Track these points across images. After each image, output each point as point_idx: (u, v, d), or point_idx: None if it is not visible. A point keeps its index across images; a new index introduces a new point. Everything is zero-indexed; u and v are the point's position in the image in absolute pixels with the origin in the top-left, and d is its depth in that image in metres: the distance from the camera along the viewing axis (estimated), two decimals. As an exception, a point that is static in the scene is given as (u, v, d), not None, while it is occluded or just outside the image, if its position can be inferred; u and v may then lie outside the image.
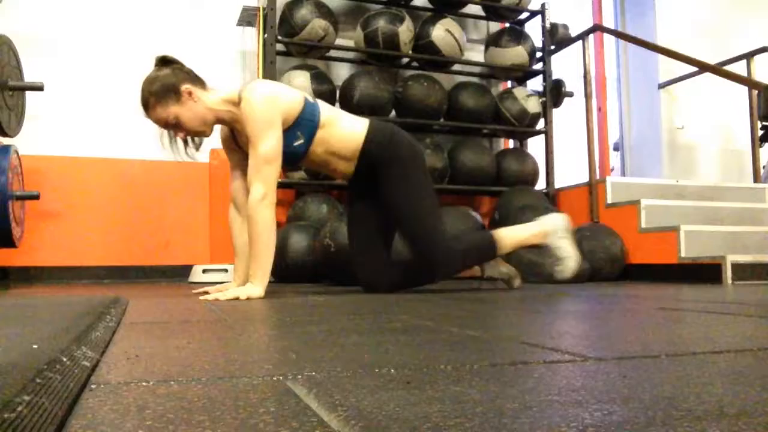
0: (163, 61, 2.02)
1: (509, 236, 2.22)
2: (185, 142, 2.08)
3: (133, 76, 3.62)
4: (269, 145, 1.91)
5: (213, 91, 2.04)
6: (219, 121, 2.06)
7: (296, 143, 2.02)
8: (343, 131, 2.09)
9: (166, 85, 1.95)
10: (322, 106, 2.11)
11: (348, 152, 2.11)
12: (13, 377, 0.53)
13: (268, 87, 1.99)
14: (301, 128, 2.02)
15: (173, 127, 1.99)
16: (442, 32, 3.84)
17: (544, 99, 4.13)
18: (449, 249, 2.14)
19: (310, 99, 2.07)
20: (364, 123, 2.14)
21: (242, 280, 2.15)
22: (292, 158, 2.08)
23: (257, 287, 1.91)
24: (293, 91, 2.05)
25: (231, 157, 2.20)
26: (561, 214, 2.29)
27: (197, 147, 2.13)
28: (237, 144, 2.16)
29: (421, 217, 2.12)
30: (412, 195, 2.12)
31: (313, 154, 2.09)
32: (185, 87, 1.96)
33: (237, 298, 1.85)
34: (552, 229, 2.22)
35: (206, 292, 2.06)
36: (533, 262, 2.87)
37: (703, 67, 3.65)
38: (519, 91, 4.06)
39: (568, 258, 2.20)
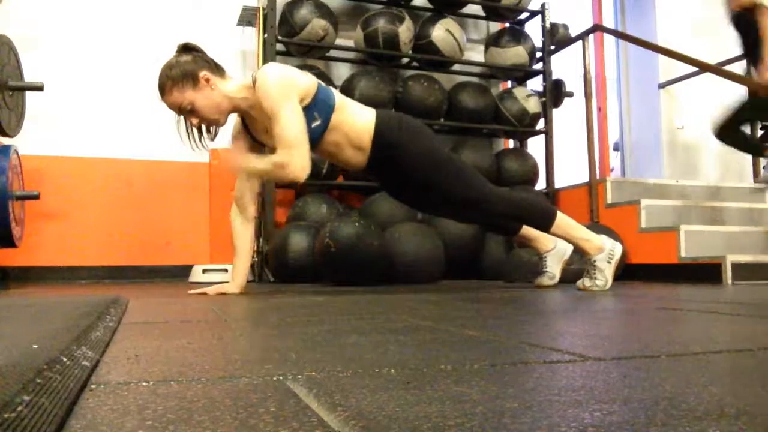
0: (185, 48, 2.03)
1: (568, 223, 2.24)
2: (200, 131, 2.08)
3: (133, 76, 3.64)
4: (292, 119, 1.90)
5: (231, 79, 2.06)
6: (235, 109, 2.06)
7: (314, 124, 2.02)
8: (356, 118, 2.10)
9: (185, 71, 1.96)
10: (334, 90, 2.12)
11: (361, 140, 2.10)
12: (13, 377, 0.53)
13: (282, 68, 2.00)
14: (317, 109, 2.02)
15: (188, 113, 2.00)
16: (442, 32, 3.84)
17: (544, 99, 4.12)
18: (498, 190, 2.22)
19: (322, 83, 2.08)
20: (372, 111, 2.15)
21: (240, 280, 2.15)
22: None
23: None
24: (306, 74, 2.05)
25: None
26: (621, 245, 2.30)
27: (213, 137, 2.13)
28: (251, 135, 2.15)
29: (456, 176, 2.15)
30: (438, 164, 2.14)
31: (327, 140, 2.09)
32: (203, 74, 1.97)
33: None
34: (608, 250, 2.22)
35: (204, 293, 2.07)
36: (534, 263, 2.87)
37: (703, 67, 3.65)
38: (519, 91, 4.06)
39: (602, 282, 2.21)
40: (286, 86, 1.92)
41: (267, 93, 1.91)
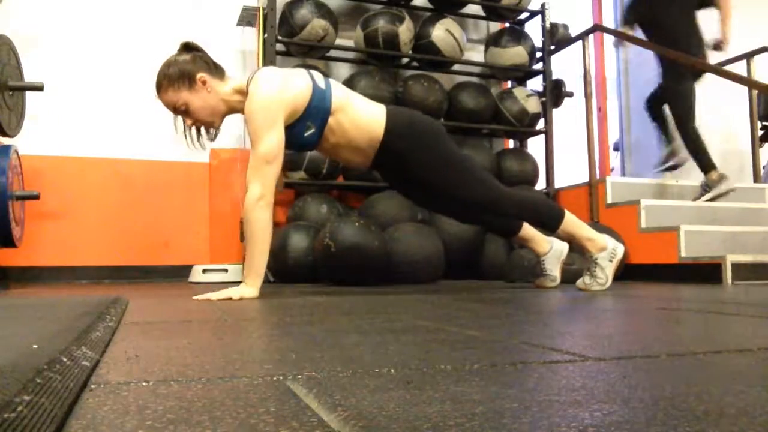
0: (186, 47, 2.01)
1: (574, 222, 2.23)
2: (198, 131, 2.07)
3: (133, 76, 3.64)
4: (269, 146, 1.88)
5: (229, 81, 2.03)
6: (232, 111, 2.04)
7: (307, 133, 1.99)
8: (359, 120, 2.03)
9: (182, 71, 1.94)
10: (335, 89, 2.04)
11: (364, 143, 2.06)
12: (13, 377, 0.53)
13: (273, 83, 1.92)
14: (311, 118, 1.97)
15: (182, 113, 1.98)
16: (442, 32, 3.84)
17: (544, 99, 4.13)
18: (508, 192, 2.19)
19: (321, 84, 2.00)
20: (380, 111, 2.07)
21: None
22: (303, 147, 2.07)
23: (250, 288, 1.90)
24: (301, 79, 1.98)
25: None
26: (623, 246, 2.29)
27: (212, 138, 2.11)
28: None
29: (467, 179, 2.13)
30: (449, 168, 2.11)
31: (326, 142, 2.06)
32: (200, 75, 1.95)
33: (230, 299, 1.84)
34: (610, 249, 2.21)
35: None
36: (533, 264, 2.87)
37: (703, 67, 3.65)
38: (519, 91, 4.06)
39: (602, 280, 2.20)
40: (271, 113, 1.88)
41: (251, 117, 1.89)
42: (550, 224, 2.23)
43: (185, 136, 2.04)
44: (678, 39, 3.49)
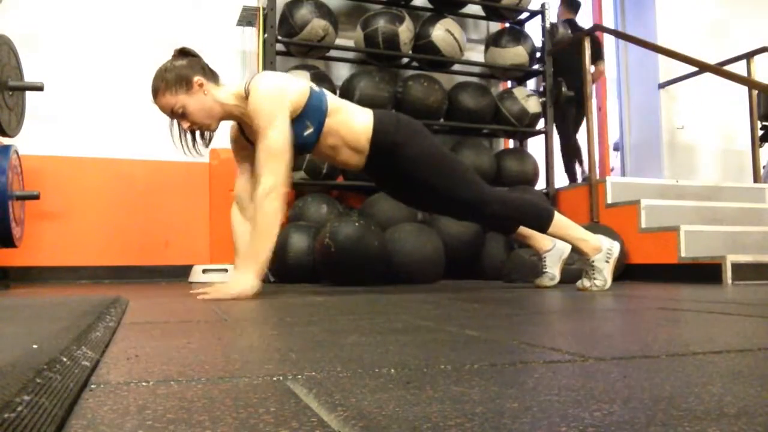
0: (181, 53, 2.04)
1: (565, 224, 2.23)
2: (193, 136, 2.08)
3: (133, 76, 3.64)
4: (277, 138, 1.91)
5: (225, 86, 2.06)
6: (228, 115, 2.06)
7: (306, 132, 2.03)
8: (352, 120, 2.10)
9: (179, 75, 1.96)
10: (328, 94, 2.12)
11: (358, 142, 2.10)
12: (13, 377, 0.53)
13: (273, 79, 1.99)
14: (309, 118, 2.02)
15: (179, 116, 2.00)
16: (442, 32, 3.84)
17: (544, 99, 4.13)
18: (495, 192, 2.22)
19: (315, 87, 2.08)
20: (368, 113, 2.15)
21: None
22: (302, 148, 2.09)
23: (249, 274, 1.89)
24: (299, 80, 2.06)
25: (238, 155, 2.21)
26: (618, 245, 2.29)
27: (207, 143, 2.13)
28: (247, 140, 2.16)
29: (452, 175, 2.16)
30: (435, 163, 2.15)
31: (323, 144, 2.09)
32: (197, 79, 1.98)
33: (233, 298, 1.84)
34: (606, 250, 2.21)
35: (205, 293, 2.05)
36: (534, 263, 2.86)
37: (703, 67, 3.65)
38: (519, 91, 4.06)
39: (601, 282, 2.20)
40: (276, 104, 1.92)
41: (257, 111, 1.92)
42: (538, 225, 2.23)
43: (181, 143, 2.05)
44: (576, 81, 4.02)
